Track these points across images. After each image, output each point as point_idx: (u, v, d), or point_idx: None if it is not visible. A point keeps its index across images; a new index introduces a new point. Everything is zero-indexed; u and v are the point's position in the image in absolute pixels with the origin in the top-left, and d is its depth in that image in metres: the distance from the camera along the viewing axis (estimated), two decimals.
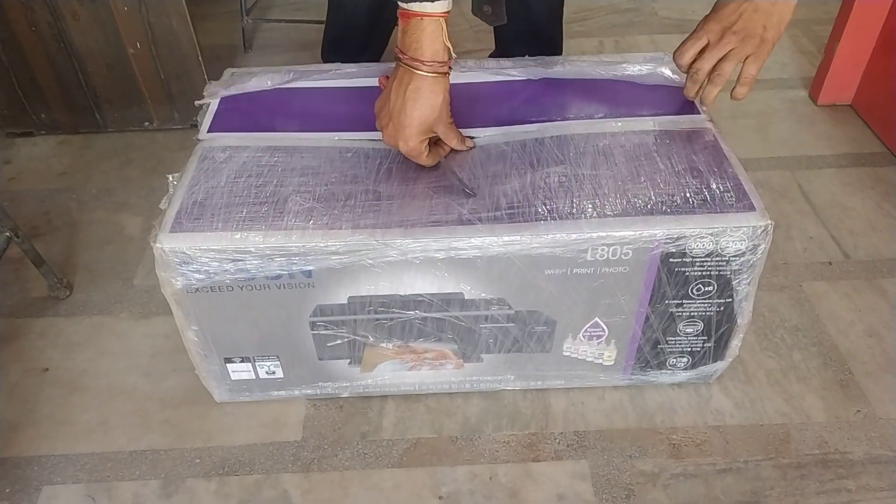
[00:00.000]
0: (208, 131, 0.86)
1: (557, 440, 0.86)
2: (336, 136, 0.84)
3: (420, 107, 0.73)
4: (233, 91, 0.91)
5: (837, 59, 1.33)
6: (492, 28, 1.21)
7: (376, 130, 0.80)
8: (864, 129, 1.34)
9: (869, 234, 1.12)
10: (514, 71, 0.93)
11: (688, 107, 0.87)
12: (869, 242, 1.11)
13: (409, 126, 0.74)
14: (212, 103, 0.90)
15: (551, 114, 0.87)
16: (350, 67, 0.94)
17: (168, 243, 0.72)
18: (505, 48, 1.23)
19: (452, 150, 0.82)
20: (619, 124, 0.84)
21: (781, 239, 1.12)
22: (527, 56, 0.96)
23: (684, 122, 0.85)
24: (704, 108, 0.87)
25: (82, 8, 1.23)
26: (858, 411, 0.88)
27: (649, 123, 0.84)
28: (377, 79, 0.83)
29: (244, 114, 0.88)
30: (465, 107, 0.89)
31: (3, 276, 1.08)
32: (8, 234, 0.96)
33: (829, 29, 1.35)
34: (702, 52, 0.80)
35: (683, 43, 0.81)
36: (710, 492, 0.81)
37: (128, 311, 1.04)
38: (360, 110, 0.87)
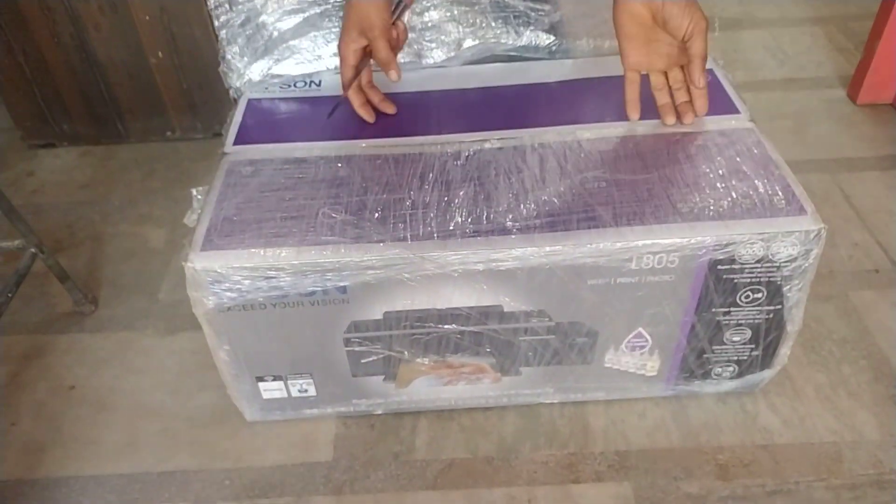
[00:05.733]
0: (234, 144, 0.83)
1: (598, 460, 0.83)
2: (363, 143, 0.82)
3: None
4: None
5: (878, 57, 1.28)
6: None
7: (403, 136, 0.80)
8: None
9: None
10: (544, 70, 0.91)
11: (728, 106, 0.84)
12: None
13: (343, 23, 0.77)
14: (236, 114, 0.88)
15: (585, 116, 0.84)
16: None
17: (200, 262, 0.69)
18: None
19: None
20: (656, 125, 0.81)
21: (825, 246, 1.06)
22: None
23: (725, 122, 0.82)
24: (745, 107, 0.83)
25: (104, 18, 1.22)
26: None
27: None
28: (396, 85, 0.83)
29: (269, 124, 0.86)
30: (495, 109, 0.86)
31: (28, 292, 1.06)
32: (33, 250, 0.95)
33: (866, 25, 1.30)
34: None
35: (627, 92, 0.80)
36: None
37: (153, 326, 1.02)
38: (385, 115, 0.85)
